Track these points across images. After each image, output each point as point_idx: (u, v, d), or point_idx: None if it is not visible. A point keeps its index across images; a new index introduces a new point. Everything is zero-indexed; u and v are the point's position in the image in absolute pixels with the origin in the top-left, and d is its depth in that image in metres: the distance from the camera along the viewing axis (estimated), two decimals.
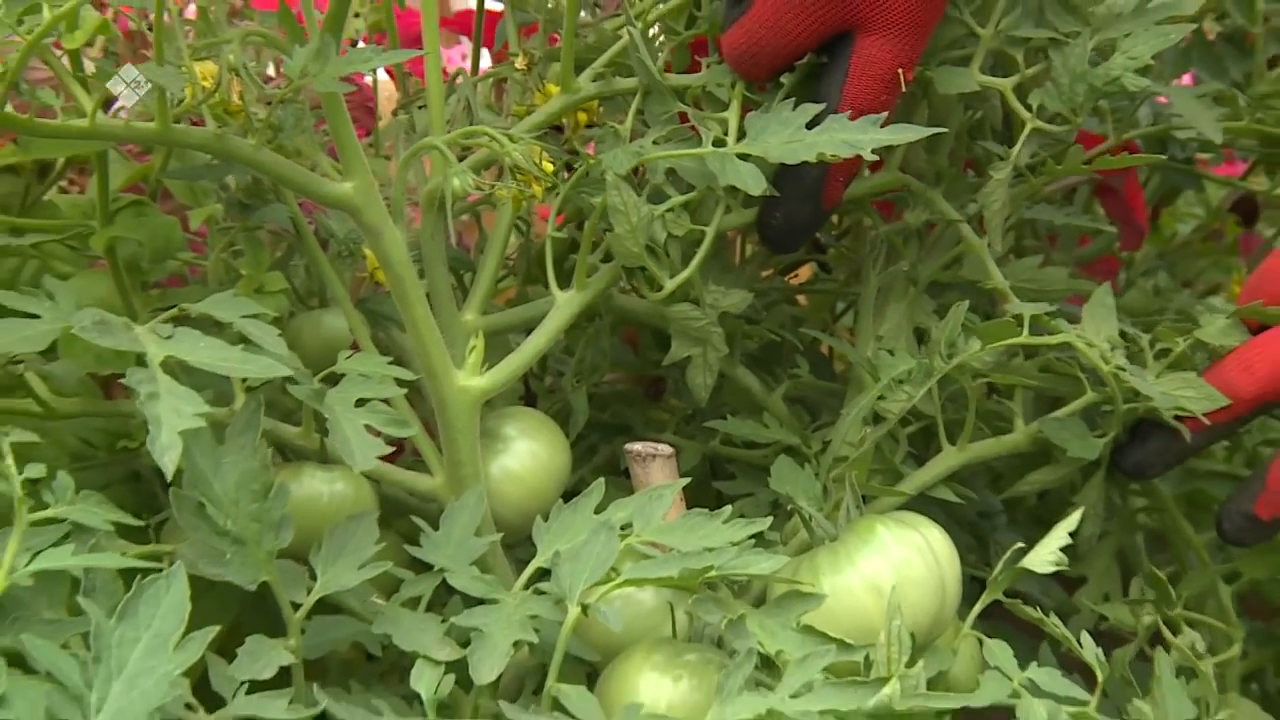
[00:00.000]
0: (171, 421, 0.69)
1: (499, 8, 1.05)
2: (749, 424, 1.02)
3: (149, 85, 0.75)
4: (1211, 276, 1.24)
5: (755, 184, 0.83)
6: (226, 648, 0.75)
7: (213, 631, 0.68)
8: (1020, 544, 0.87)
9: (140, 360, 0.72)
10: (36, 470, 0.73)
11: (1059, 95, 0.91)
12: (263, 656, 0.76)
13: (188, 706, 0.71)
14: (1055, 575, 0.88)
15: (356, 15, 0.94)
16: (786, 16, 0.84)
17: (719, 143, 0.85)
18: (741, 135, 0.85)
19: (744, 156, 0.84)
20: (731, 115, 0.87)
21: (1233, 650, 1.00)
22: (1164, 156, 1.09)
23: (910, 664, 0.76)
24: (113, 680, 0.66)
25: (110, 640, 0.67)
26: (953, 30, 0.92)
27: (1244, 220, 1.26)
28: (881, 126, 0.82)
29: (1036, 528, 0.96)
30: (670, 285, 0.89)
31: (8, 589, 0.69)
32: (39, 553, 0.70)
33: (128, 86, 0.76)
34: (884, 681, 0.72)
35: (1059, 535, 0.86)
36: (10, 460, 0.73)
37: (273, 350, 0.77)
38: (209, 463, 0.78)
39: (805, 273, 1.24)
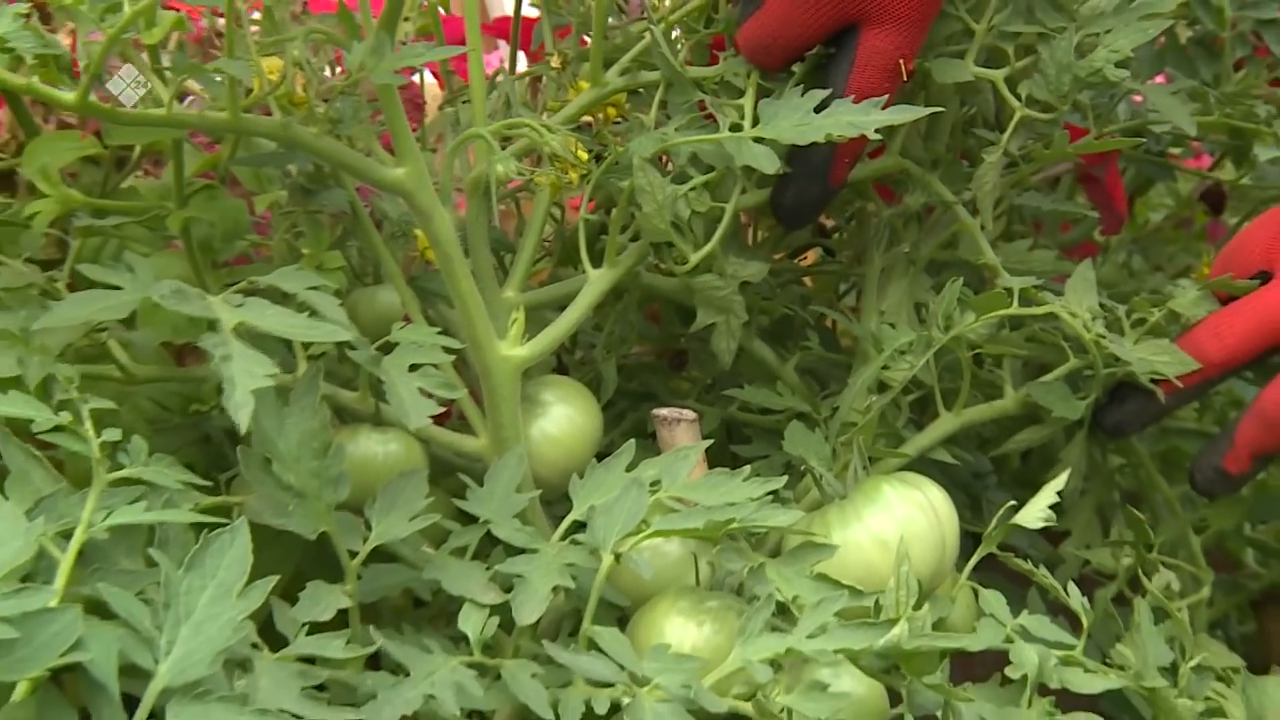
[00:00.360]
0: (245, 381, 0.69)
1: (533, 14, 1.05)
2: (764, 392, 1.02)
3: (148, 86, 0.75)
4: (1182, 260, 1.23)
5: (769, 164, 0.83)
6: (289, 592, 0.75)
7: (275, 579, 0.68)
8: (1012, 502, 0.87)
9: (213, 327, 0.72)
10: (114, 434, 0.73)
11: (1046, 85, 0.91)
12: (322, 600, 0.76)
13: (254, 646, 0.71)
14: (1041, 530, 0.87)
15: (406, 19, 0.93)
16: (798, 10, 0.84)
17: (736, 127, 0.85)
18: (756, 120, 0.85)
19: (758, 139, 0.83)
20: (747, 102, 0.86)
21: (1203, 592, 1.00)
22: (1143, 141, 1.10)
23: (916, 609, 0.75)
24: (181, 625, 0.66)
25: (179, 589, 0.67)
26: (949, 26, 0.92)
27: (1211, 209, 1.26)
28: (887, 108, 0.82)
29: (1023, 488, 0.96)
30: (695, 258, 0.88)
31: (87, 542, 0.68)
32: (116, 510, 0.70)
33: (128, 86, 0.75)
34: (893, 623, 0.71)
35: (1048, 494, 0.86)
36: (89, 425, 0.72)
37: (334, 319, 0.77)
38: (274, 423, 0.78)
39: (811, 257, 1.23)
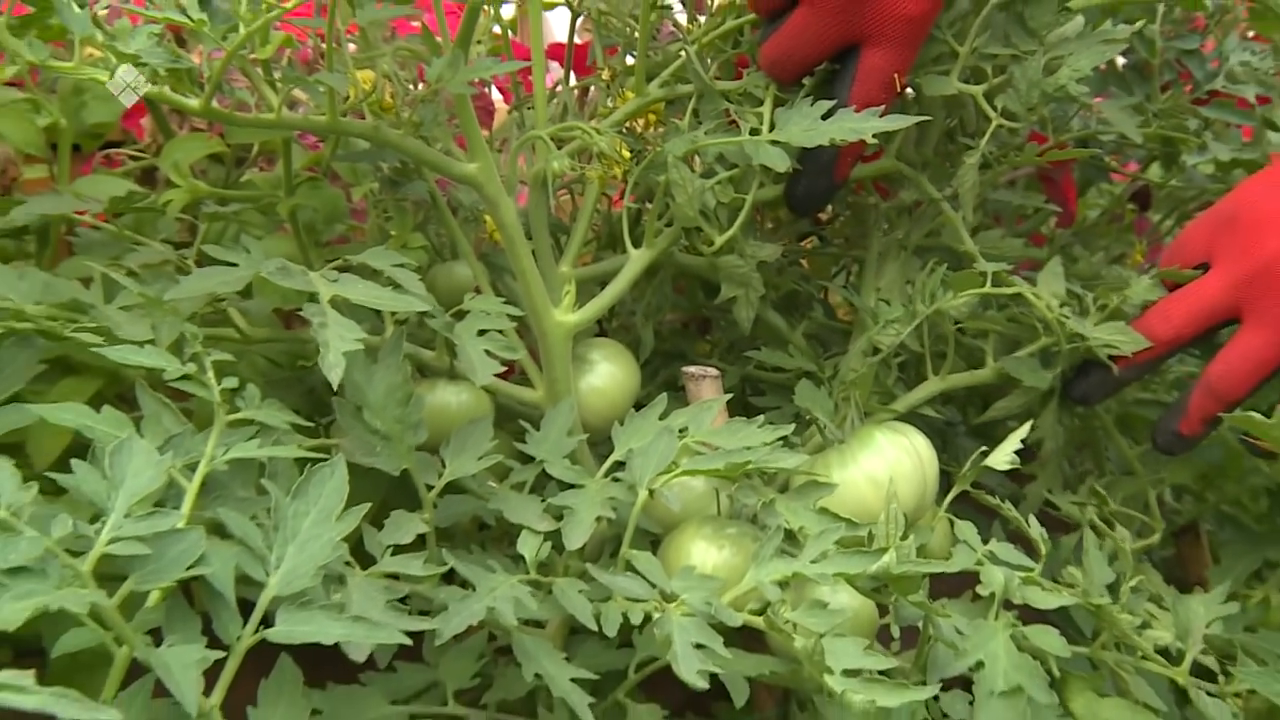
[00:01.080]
0: (337, 344, 0.70)
1: (582, 40, 1.04)
2: (777, 354, 1.01)
3: (146, 87, 0.72)
4: (1115, 249, 1.20)
5: (781, 163, 0.81)
6: (376, 520, 0.75)
7: (366, 507, 0.69)
8: (983, 448, 0.85)
9: (314, 298, 0.72)
10: (231, 383, 0.73)
11: (1018, 98, 0.89)
12: (404, 527, 0.75)
13: (347, 564, 0.70)
14: (1009, 473, 0.86)
15: (479, 42, 0.91)
16: (809, 31, 0.83)
17: (755, 131, 0.84)
18: (772, 126, 0.83)
19: (774, 142, 0.82)
20: (765, 110, 0.85)
21: (1154, 538, 0.98)
22: (1098, 151, 1.10)
23: (902, 539, 0.75)
24: (288, 544, 0.67)
25: (287, 513, 0.67)
26: (937, 48, 0.90)
27: (1140, 207, 1.24)
28: (884, 115, 0.82)
29: (983, 438, 1.00)
30: (720, 240, 0.87)
31: (209, 474, 0.68)
32: (233, 446, 0.70)
33: (128, 87, 0.73)
34: (883, 551, 0.72)
35: (1013, 442, 0.85)
36: (212, 375, 0.72)
37: (414, 291, 0.76)
38: (364, 377, 0.78)
39: (806, 245, 1.22)
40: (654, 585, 0.72)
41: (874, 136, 0.81)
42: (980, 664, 0.77)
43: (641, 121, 0.93)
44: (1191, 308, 0.90)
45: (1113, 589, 0.88)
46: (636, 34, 0.89)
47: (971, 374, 0.95)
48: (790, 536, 0.75)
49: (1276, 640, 0.94)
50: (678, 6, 1.01)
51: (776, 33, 0.84)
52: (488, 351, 0.79)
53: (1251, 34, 1.14)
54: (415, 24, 0.90)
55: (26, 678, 0.50)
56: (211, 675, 0.62)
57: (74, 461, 0.64)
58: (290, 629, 0.64)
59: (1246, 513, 1.09)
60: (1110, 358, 0.91)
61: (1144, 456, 1.05)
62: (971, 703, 0.77)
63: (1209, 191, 1.16)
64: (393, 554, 0.73)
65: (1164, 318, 0.90)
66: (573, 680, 0.71)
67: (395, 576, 0.72)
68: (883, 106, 0.82)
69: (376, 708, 0.76)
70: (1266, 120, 1.09)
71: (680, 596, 0.71)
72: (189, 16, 0.68)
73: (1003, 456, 0.84)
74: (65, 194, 0.87)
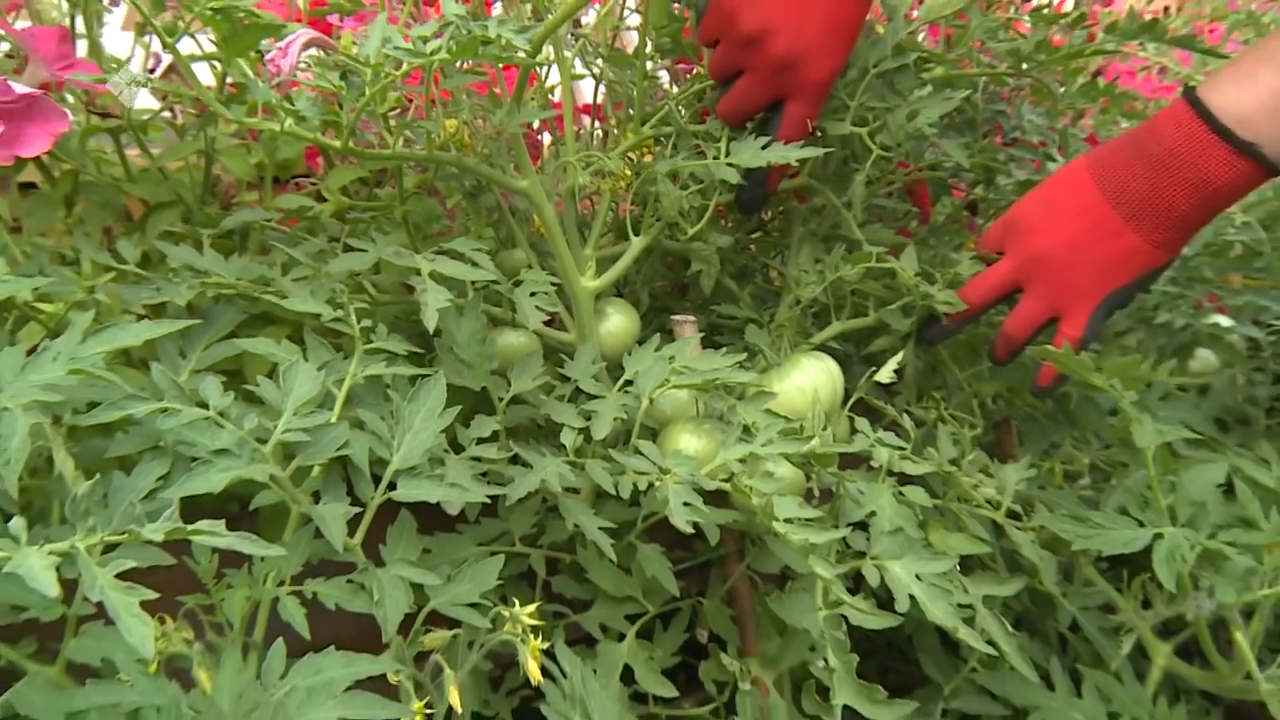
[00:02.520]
0: (434, 303, 0.69)
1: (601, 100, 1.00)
2: (732, 308, 0.98)
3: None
4: (955, 241, 1.17)
5: (734, 177, 0.79)
6: (465, 421, 0.73)
7: (457, 410, 0.67)
8: (872, 368, 0.84)
9: (419, 273, 0.71)
10: (367, 324, 0.71)
11: (890, 136, 0.87)
12: (484, 425, 0.74)
13: (445, 450, 0.69)
14: (884, 387, 0.85)
15: (532, 99, 0.88)
16: (749, 92, 0.80)
17: (716, 156, 0.81)
18: (728, 153, 0.81)
19: (729, 164, 0.79)
20: (722, 144, 0.82)
21: (977, 430, 0.96)
22: (942, 175, 1.07)
23: (822, 430, 0.74)
24: (405, 434, 0.66)
25: (404, 412, 0.66)
26: (835, 102, 0.87)
27: (971, 212, 1.21)
28: (801, 147, 0.80)
29: (869, 364, 0.93)
30: (692, 231, 0.84)
31: (351, 387, 0.67)
32: (368, 367, 0.69)
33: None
34: (810, 439, 0.71)
35: (890, 365, 0.84)
36: (354, 319, 0.71)
37: (487, 267, 0.74)
38: (454, 325, 0.76)
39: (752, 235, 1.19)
40: (654, 463, 0.71)
41: (795, 161, 0.79)
42: (873, 513, 0.78)
43: (639, 151, 0.90)
44: (991, 283, 0.87)
45: (955, 462, 0.88)
46: (635, 93, 0.87)
47: (860, 320, 0.92)
48: (746, 430, 0.74)
49: (1058, 495, 0.93)
50: (664, 77, 0.99)
51: (727, 94, 0.82)
52: (536, 307, 0.77)
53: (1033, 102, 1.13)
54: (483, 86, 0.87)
55: (218, 526, 0.49)
56: (352, 525, 0.62)
57: (259, 377, 0.64)
58: (408, 491, 0.64)
59: (1038, 411, 1.08)
60: (945, 315, 0.90)
61: (970, 377, 1.03)
62: (869, 538, 0.77)
63: (1012, 202, 1.14)
64: (476, 444, 0.71)
65: (974, 289, 0.88)
66: (600, 529, 0.70)
67: (478, 459, 0.71)
68: (800, 142, 0.81)
69: (465, 548, 0.75)
70: (1046, 155, 1.09)
71: (673, 470, 0.69)
72: (333, 84, 0.66)
73: (885, 374, 0.84)
74: (258, 208, 0.84)
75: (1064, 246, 0.83)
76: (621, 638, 0.79)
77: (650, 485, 0.69)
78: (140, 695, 0.50)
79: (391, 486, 0.64)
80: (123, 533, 0.48)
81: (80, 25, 0.79)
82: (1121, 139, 0.83)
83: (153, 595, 0.45)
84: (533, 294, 0.78)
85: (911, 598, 0.72)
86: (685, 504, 0.66)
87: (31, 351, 0.56)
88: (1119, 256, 0.82)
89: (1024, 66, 0.96)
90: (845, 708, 0.66)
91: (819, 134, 0.86)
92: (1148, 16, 0.89)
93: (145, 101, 0.83)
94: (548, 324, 0.84)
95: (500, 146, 0.81)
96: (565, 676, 0.68)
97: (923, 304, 0.90)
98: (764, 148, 0.79)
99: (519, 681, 0.86)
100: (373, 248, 0.75)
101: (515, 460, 0.73)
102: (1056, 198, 0.85)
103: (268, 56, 0.69)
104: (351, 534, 0.61)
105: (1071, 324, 0.84)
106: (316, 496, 0.63)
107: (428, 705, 0.60)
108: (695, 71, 0.90)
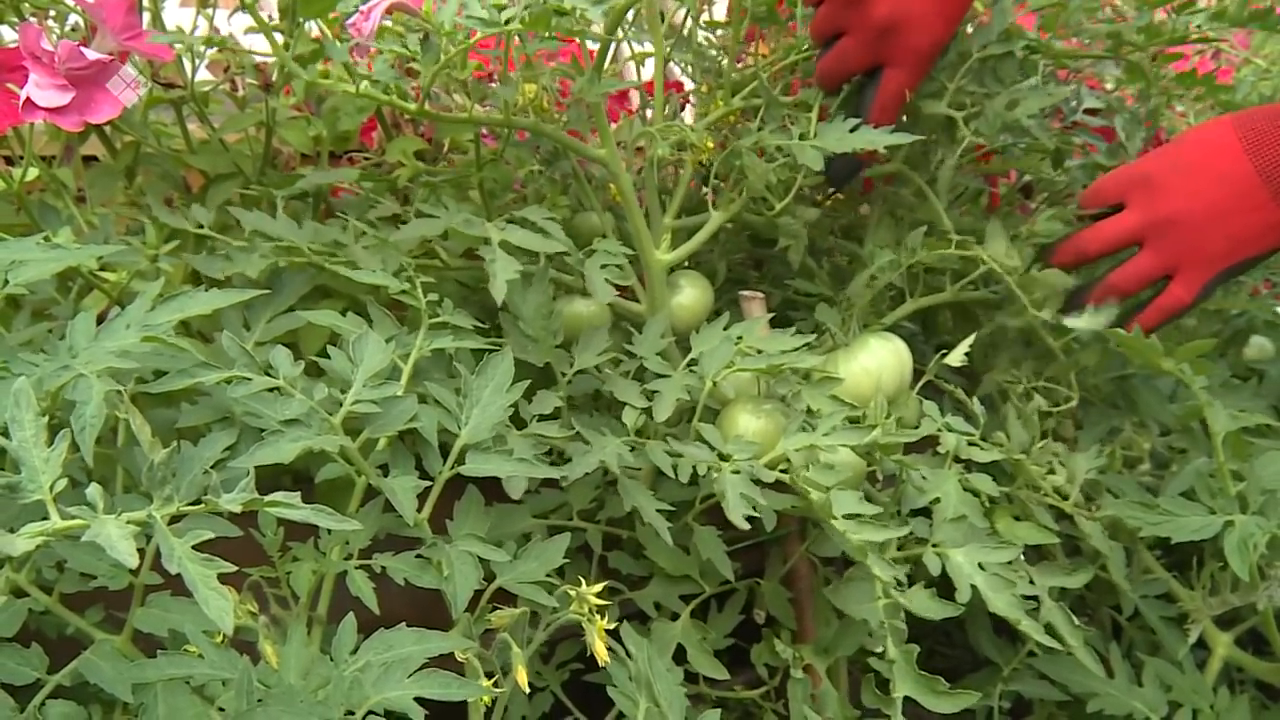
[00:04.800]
0: (502, 273, 0.67)
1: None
2: (807, 284, 0.94)
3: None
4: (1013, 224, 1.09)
5: (815, 163, 0.75)
6: (529, 396, 0.70)
7: (527, 383, 0.66)
8: (943, 350, 0.82)
9: (488, 242, 0.70)
10: (434, 297, 0.70)
11: (988, 125, 0.83)
12: (546, 400, 0.72)
13: (508, 425, 0.67)
14: (958, 369, 0.82)
15: (613, 64, 0.85)
16: (850, 53, 0.78)
17: (803, 137, 0.77)
18: (815, 134, 0.77)
19: (815, 147, 0.75)
20: (812, 123, 0.78)
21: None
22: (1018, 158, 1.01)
23: (887, 418, 0.71)
24: (473, 408, 0.65)
25: (471, 386, 0.65)
26: (932, 84, 0.83)
27: (1024, 195, 1.14)
28: (893, 132, 0.76)
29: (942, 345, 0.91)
30: (780, 206, 0.81)
31: (419, 359, 0.66)
32: (435, 340, 0.68)
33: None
34: (874, 427, 0.69)
35: (964, 346, 0.81)
36: (420, 291, 0.69)
37: (558, 237, 0.72)
38: (520, 296, 0.75)
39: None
40: (713, 448, 0.68)
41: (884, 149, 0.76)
42: (937, 500, 0.76)
43: (726, 123, 0.86)
44: (1114, 233, 0.82)
45: (1024, 450, 0.85)
46: (725, 62, 0.84)
47: (934, 296, 0.88)
48: (809, 413, 0.71)
49: (1122, 482, 0.89)
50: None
51: (826, 54, 0.79)
52: (606, 279, 0.74)
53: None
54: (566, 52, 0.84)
55: (294, 498, 0.48)
56: (421, 498, 0.62)
57: (329, 348, 0.63)
58: (476, 466, 0.63)
59: (1097, 396, 1.02)
60: (1046, 261, 0.85)
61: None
62: (931, 526, 0.74)
63: (1071, 186, 1.07)
64: (537, 421, 0.70)
65: (1095, 236, 0.83)
66: (657, 510, 0.69)
67: (541, 435, 0.69)
68: (890, 127, 0.77)
69: (523, 520, 0.73)
70: (1118, 146, 1.03)
71: (732, 456, 0.67)
72: (409, 49, 0.64)
73: (955, 356, 0.81)
74: (332, 170, 0.83)
75: (1202, 212, 0.79)
76: (675, 616, 0.78)
77: (709, 469, 0.67)
78: (211, 668, 0.50)
79: (460, 461, 0.63)
80: (197, 502, 0.47)
81: None
82: (1275, 110, 0.78)
83: (230, 568, 0.44)
84: (604, 265, 0.75)
85: (973, 587, 0.70)
86: (742, 494, 0.64)
87: (100, 319, 0.55)
88: (1256, 230, 0.78)
89: (1122, 50, 0.90)
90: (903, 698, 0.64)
91: (913, 111, 0.82)
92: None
93: (202, 75, 0.82)
94: (620, 295, 0.81)
95: (580, 113, 0.78)
96: (630, 658, 0.67)
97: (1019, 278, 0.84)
98: (855, 125, 0.76)
99: (570, 655, 0.85)
100: (443, 215, 0.73)
101: (576, 437, 0.71)
102: (1199, 161, 0.80)
103: (349, 21, 0.67)
104: (421, 507, 0.61)
105: (1185, 287, 0.81)
106: (385, 470, 0.62)
107: (495, 684, 0.60)
108: (786, 42, 0.86)
